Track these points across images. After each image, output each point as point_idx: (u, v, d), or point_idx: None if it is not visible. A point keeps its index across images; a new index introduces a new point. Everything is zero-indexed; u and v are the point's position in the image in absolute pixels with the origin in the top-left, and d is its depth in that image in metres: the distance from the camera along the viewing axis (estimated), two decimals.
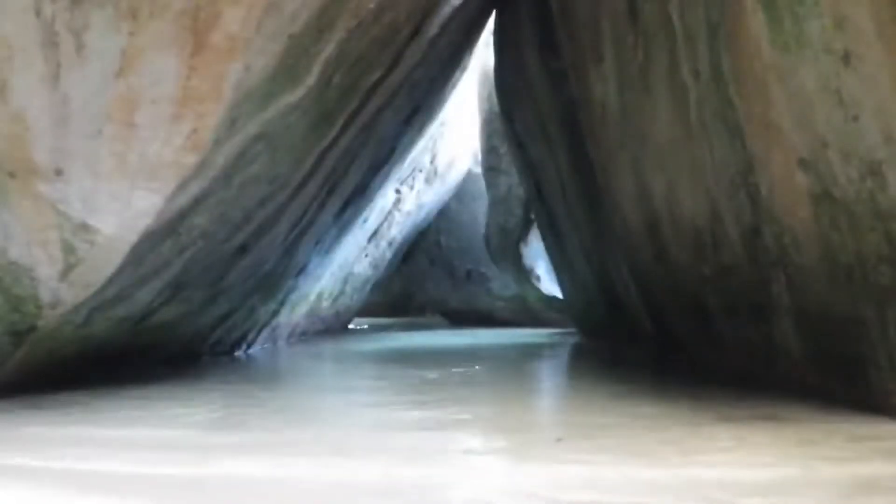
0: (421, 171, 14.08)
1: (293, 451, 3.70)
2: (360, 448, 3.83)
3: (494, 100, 12.68)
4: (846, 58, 3.80)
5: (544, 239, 12.46)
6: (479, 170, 15.87)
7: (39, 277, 5.01)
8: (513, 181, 14.26)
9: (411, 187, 14.14)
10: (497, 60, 11.20)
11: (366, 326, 16.08)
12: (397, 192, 13.83)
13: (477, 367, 7.73)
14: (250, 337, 9.76)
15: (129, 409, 4.98)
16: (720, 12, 4.89)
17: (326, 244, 10.39)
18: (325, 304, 13.06)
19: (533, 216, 13.55)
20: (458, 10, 8.36)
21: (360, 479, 3.17)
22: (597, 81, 7.36)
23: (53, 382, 5.64)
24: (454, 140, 14.93)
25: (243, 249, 7.08)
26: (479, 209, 16.34)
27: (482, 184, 15.58)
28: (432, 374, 7.08)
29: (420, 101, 9.22)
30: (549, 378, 7.53)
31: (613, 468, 3.30)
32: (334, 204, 9.10)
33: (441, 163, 14.78)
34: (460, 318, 16.97)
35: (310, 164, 6.95)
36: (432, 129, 12.64)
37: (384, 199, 13.08)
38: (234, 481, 3.10)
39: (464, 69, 11.31)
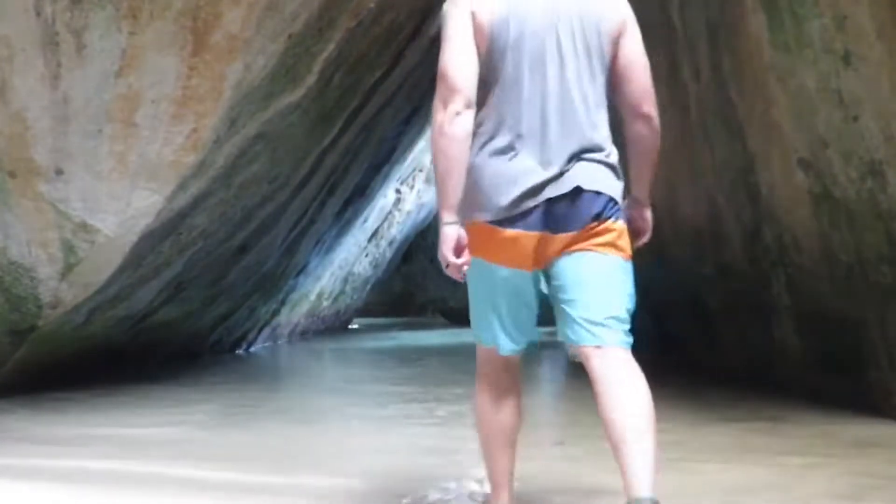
0: (421, 170, 14.08)
1: (289, 458, 3.62)
2: (358, 451, 3.82)
3: None
4: (846, 58, 3.80)
5: None
6: None
7: (39, 277, 5.01)
8: None
9: (411, 187, 14.14)
10: None
11: (357, 325, 16.08)
12: (397, 191, 13.82)
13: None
14: (251, 336, 9.76)
15: (129, 410, 4.98)
16: (720, 12, 4.89)
17: (327, 244, 10.39)
18: (326, 303, 13.06)
19: None
20: None
21: (356, 488, 3.17)
22: None
23: (53, 382, 5.63)
24: None
25: (243, 249, 7.08)
26: None
27: None
28: (432, 375, 7.08)
29: (420, 101, 9.22)
30: (549, 378, 7.52)
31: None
32: (334, 204, 9.10)
33: None
34: (460, 318, 16.95)
35: (310, 164, 6.95)
36: None
37: (384, 198, 13.08)
38: (230, 487, 3.07)
39: None
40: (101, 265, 5.13)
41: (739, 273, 5.51)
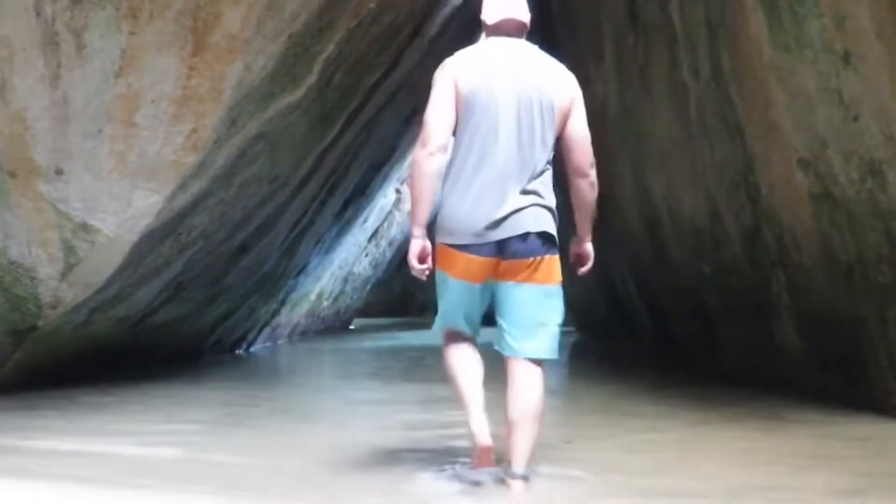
0: None
1: (289, 473, 3.42)
2: (357, 452, 3.82)
3: None
4: (846, 58, 3.80)
5: None
6: None
7: (40, 277, 5.01)
8: None
9: None
10: None
11: (366, 325, 16.08)
12: (397, 191, 13.83)
13: None
14: (251, 336, 9.76)
15: (129, 410, 4.97)
16: (720, 12, 4.89)
17: (327, 244, 10.39)
18: (326, 303, 13.07)
19: None
20: (458, 10, 8.36)
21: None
22: (597, 81, 7.36)
23: (53, 382, 5.63)
24: None
25: (243, 249, 7.08)
26: None
27: None
28: (432, 375, 7.07)
29: (420, 101, 9.22)
30: (550, 377, 7.52)
31: (616, 470, 3.30)
32: (334, 203, 9.10)
33: None
34: None
35: (310, 164, 6.95)
36: None
37: (384, 198, 13.09)
38: (229, 493, 3.05)
39: None
40: (101, 265, 5.13)
41: (739, 273, 5.51)
